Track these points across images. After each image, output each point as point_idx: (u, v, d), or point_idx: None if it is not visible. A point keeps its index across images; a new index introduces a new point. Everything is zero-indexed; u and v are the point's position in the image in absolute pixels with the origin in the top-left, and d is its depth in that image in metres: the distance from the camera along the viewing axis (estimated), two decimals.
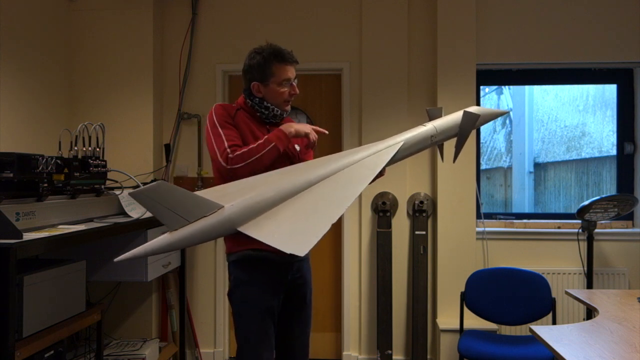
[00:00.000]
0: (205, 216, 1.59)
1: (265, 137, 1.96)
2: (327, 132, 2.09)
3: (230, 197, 1.68)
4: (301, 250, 1.51)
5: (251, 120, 2.09)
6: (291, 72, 2.07)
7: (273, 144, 1.93)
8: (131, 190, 1.57)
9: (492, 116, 2.21)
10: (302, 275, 2.12)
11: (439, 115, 2.08)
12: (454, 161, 2.09)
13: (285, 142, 1.96)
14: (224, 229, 1.61)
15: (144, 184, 3.18)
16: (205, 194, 1.72)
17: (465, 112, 2.04)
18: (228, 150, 1.93)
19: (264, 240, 1.56)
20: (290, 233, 1.59)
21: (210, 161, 3.75)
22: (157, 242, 1.56)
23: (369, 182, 1.78)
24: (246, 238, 1.56)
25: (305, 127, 2.01)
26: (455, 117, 2.05)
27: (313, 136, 2.01)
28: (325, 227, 1.59)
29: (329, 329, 3.78)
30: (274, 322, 2.05)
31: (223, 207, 1.62)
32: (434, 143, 2.01)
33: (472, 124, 2.03)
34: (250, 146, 1.93)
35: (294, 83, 2.08)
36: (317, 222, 1.61)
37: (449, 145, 2.10)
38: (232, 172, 1.90)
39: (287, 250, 1.51)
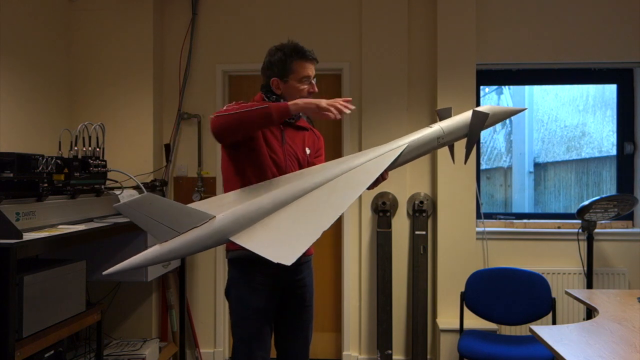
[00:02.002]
0: (196, 227, 1.57)
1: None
2: (349, 110, 1.78)
3: (227, 207, 1.66)
4: (288, 260, 1.49)
5: None
6: (311, 70, 2.04)
7: (267, 105, 1.77)
8: (116, 204, 1.56)
9: (505, 114, 2.14)
10: (302, 278, 2.11)
11: (449, 116, 2.02)
12: (465, 162, 2.04)
13: (284, 112, 1.78)
14: (215, 239, 1.60)
15: (144, 184, 3.19)
16: (202, 204, 1.71)
17: (474, 111, 1.98)
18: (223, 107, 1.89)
19: (253, 250, 1.55)
20: (279, 242, 1.57)
21: (210, 161, 3.79)
22: (146, 254, 1.55)
23: (365, 188, 1.75)
24: None
25: (320, 102, 1.75)
26: (464, 117, 1.99)
27: (332, 115, 1.74)
28: (315, 236, 1.57)
29: (329, 329, 3.78)
30: (270, 322, 2.05)
31: (214, 217, 1.60)
32: (442, 145, 1.96)
33: (481, 123, 1.97)
34: (248, 103, 1.84)
35: (313, 81, 2.05)
36: (307, 230, 1.59)
37: (460, 146, 2.04)
38: (216, 122, 1.80)
39: (275, 260, 1.50)
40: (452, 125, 1.97)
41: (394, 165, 1.87)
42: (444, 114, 2.03)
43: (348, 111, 1.77)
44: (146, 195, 1.55)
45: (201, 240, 1.57)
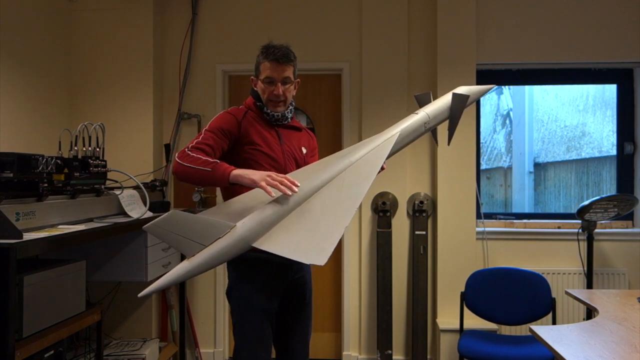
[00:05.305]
0: (219, 238, 1.59)
1: (218, 162, 1.81)
2: (290, 193, 1.67)
3: (240, 213, 1.68)
4: (321, 260, 1.51)
5: (259, 121, 2.06)
6: (275, 71, 1.99)
7: (211, 169, 1.77)
8: (145, 225, 1.57)
9: (480, 93, 2.22)
10: (302, 276, 2.11)
11: (428, 101, 2.08)
12: (448, 144, 2.11)
13: (222, 180, 1.77)
14: (239, 247, 1.61)
15: (144, 184, 3.19)
16: (214, 211, 1.73)
17: (454, 94, 2.04)
18: (190, 145, 1.87)
19: (282, 254, 1.56)
20: (306, 243, 1.59)
21: None
22: (176, 271, 1.56)
23: (373, 179, 1.78)
24: None
25: (261, 179, 1.69)
26: (445, 100, 2.06)
27: (266, 190, 1.67)
28: (340, 232, 1.60)
29: (329, 329, 3.78)
30: (272, 322, 2.04)
31: (235, 225, 1.61)
32: (428, 130, 2.01)
33: (462, 105, 2.04)
34: (201, 157, 1.82)
35: (278, 84, 2.00)
36: (330, 228, 1.61)
37: (442, 129, 2.10)
38: (177, 168, 1.83)
39: (307, 262, 1.53)
40: (436, 109, 2.03)
41: (389, 154, 1.91)
42: (423, 99, 2.09)
43: (290, 193, 1.66)
44: (172, 213, 1.57)
45: (226, 250, 1.59)
